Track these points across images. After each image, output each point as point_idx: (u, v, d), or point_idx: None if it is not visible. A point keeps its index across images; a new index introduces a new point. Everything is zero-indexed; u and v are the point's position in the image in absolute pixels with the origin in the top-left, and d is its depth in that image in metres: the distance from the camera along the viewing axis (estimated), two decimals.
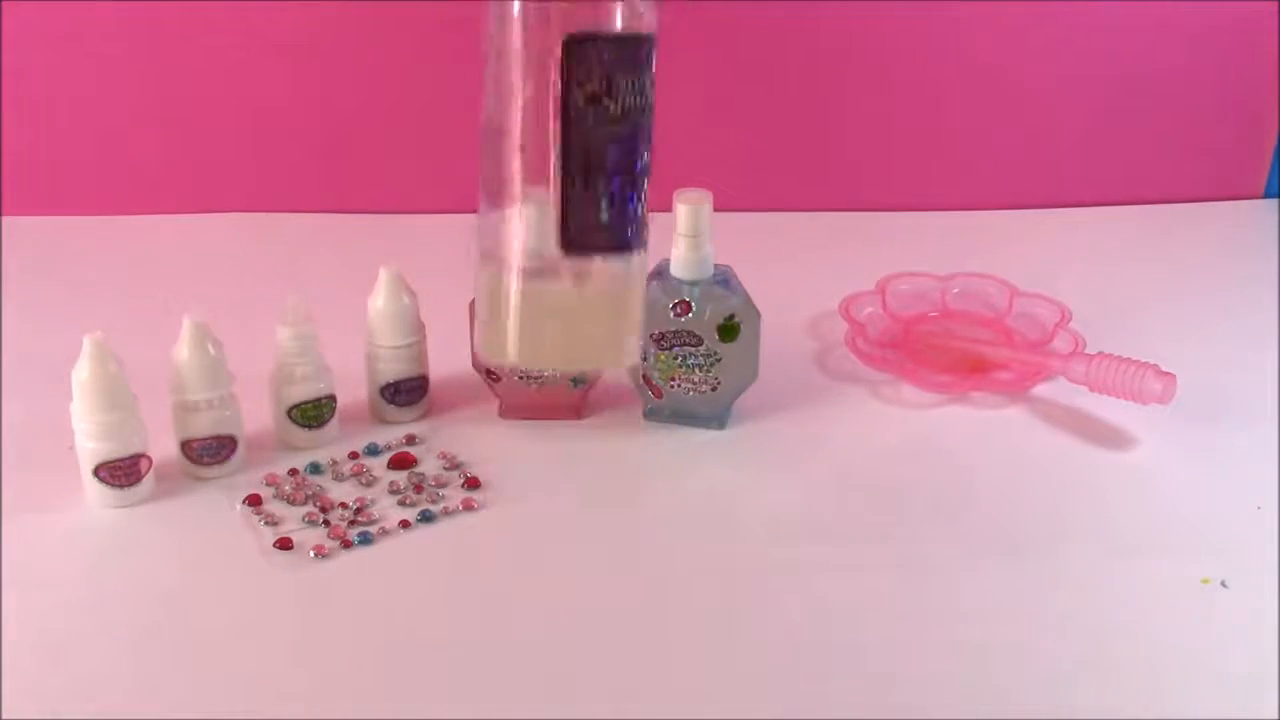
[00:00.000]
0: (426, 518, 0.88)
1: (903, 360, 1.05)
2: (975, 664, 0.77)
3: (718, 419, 0.98)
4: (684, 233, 0.92)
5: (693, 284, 0.93)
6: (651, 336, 0.94)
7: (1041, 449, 0.96)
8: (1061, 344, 1.05)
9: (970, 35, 1.25)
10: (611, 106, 0.70)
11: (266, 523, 0.88)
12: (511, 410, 0.99)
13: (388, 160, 1.28)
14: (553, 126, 0.70)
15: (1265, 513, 0.89)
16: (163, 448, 0.91)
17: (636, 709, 0.74)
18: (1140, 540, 0.87)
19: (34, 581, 0.83)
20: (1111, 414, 0.98)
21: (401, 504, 0.90)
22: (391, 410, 0.98)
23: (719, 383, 0.95)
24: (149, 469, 0.89)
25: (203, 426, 0.90)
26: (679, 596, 0.83)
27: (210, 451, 0.91)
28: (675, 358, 0.95)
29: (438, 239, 1.22)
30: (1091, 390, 0.98)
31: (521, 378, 0.96)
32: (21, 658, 0.77)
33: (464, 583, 0.84)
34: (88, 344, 0.85)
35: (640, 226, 0.73)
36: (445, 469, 0.93)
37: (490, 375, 0.97)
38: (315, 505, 0.89)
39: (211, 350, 0.89)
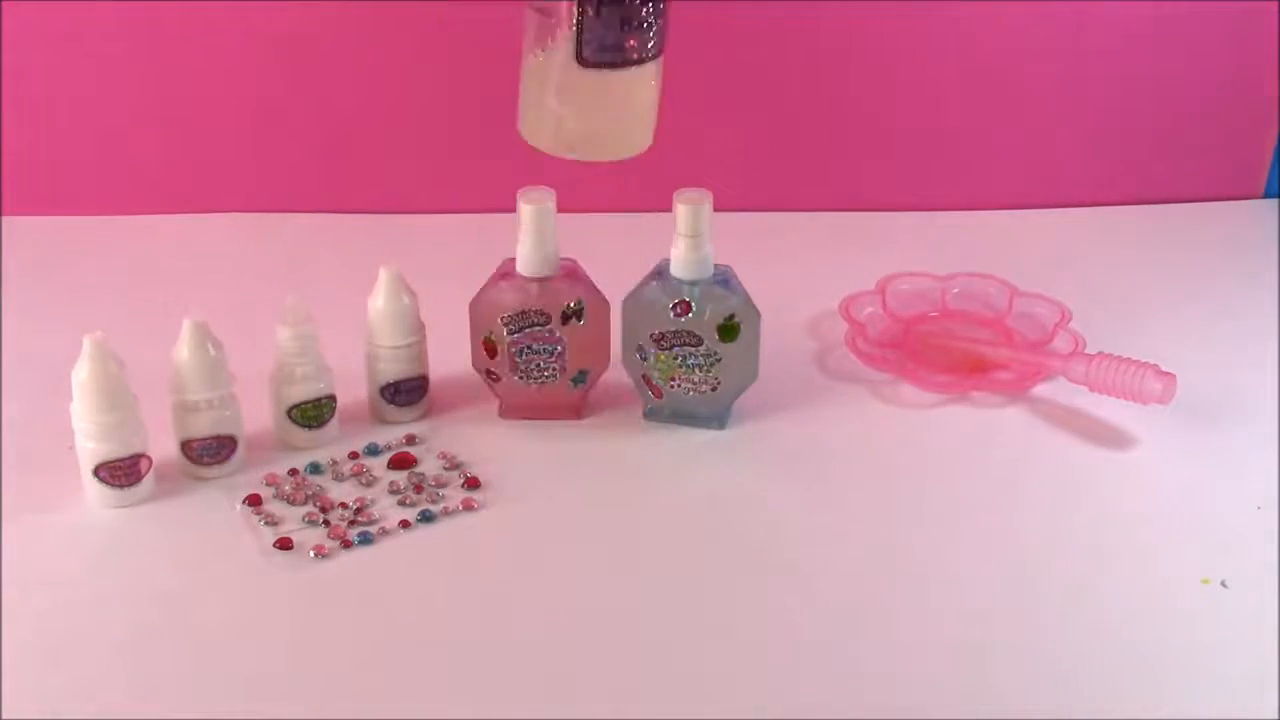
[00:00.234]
0: (426, 518, 0.88)
1: (903, 360, 1.05)
2: (975, 664, 0.77)
3: (718, 419, 0.98)
4: (684, 233, 0.92)
5: (693, 284, 0.93)
6: (651, 336, 0.94)
7: (1041, 449, 0.96)
8: (1061, 344, 1.05)
9: (970, 35, 1.25)
10: None
11: (266, 523, 0.88)
12: (511, 410, 0.99)
13: (388, 160, 1.28)
14: None
15: (1265, 513, 0.89)
16: (163, 448, 0.91)
17: (636, 709, 0.74)
18: (1140, 540, 0.87)
19: (34, 581, 0.83)
20: (1111, 414, 0.98)
21: (401, 504, 0.90)
22: (391, 410, 0.98)
23: (719, 383, 0.95)
24: (149, 469, 0.89)
25: (203, 426, 0.90)
26: (679, 596, 0.83)
27: (210, 451, 0.91)
28: (675, 358, 0.95)
29: (438, 239, 1.23)
30: (1091, 390, 0.98)
31: (521, 377, 0.96)
32: (21, 658, 0.77)
33: (464, 583, 0.84)
34: (88, 344, 0.85)
35: (648, 39, 0.84)
36: (445, 469, 0.93)
37: (490, 375, 0.97)
38: (315, 505, 0.89)
39: (211, 350, 0.89)
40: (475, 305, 0.96)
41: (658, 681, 0.76)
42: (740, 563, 0.85)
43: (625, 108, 0.88)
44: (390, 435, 0.96)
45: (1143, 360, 0.96)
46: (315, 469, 0.93)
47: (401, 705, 0.74)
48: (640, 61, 0.86)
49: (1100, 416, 0.99)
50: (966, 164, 1.30)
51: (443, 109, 1.25)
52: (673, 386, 0.96)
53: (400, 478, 0.92)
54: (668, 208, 0.92)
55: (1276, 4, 1.25)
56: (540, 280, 0.94)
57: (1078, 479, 0.93)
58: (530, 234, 0.93)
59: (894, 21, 1.24)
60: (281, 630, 0.80)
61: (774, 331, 0.98)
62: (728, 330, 0.93)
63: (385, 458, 0.94)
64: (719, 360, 0.94)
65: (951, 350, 1.06)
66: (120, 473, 0.88)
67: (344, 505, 0.89)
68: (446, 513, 0.89)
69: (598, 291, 0.96)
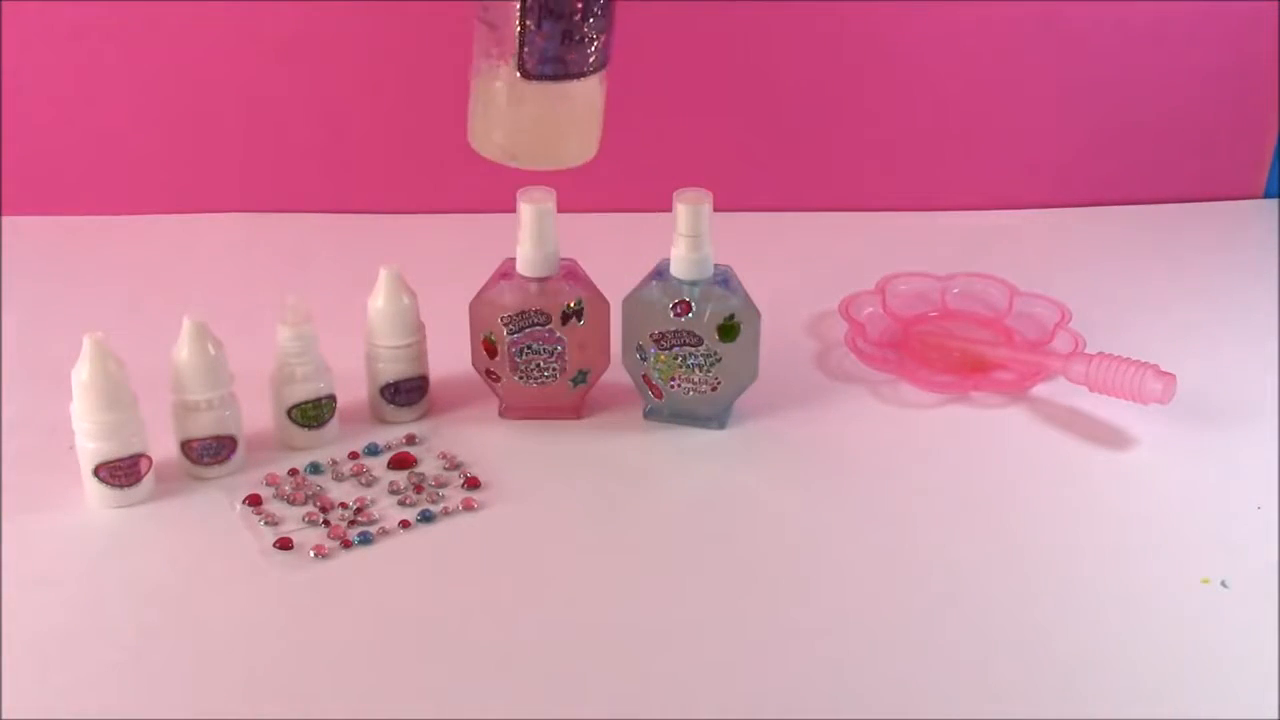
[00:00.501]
0: (426, 518, 0.88)
1: (903, 360, 1.05)
2: (975, 664, 0.77)
3: (718, 419, 0.98)
4: (684, 233, 0.92)
5: (693, 284, 0.93)
6: (651, 336, 0.94)
7: (1041, 449, 0.96)
8: (1061, 344, 1.05)
9: (971, 35, 1.25)
10: None
11: (266, 523, 0.88)
12: (511, 410, 0.99)
13: (388, 160, 1.28)
14: None
15: (1265, 513, 0.89)
16: (163, 448, 0.91)
17: (636, 709, 0.74)
18: (1140, 540, 0.87)
19: (34, 581, 0.83)
20: (1111, 414, 0.98)
21: (401, 504, 0.90)
22: (391, 410, 0.98)
23: (719, 383, 0.95)
24: (149, 469, 0.89)
25: (203, 426, 0.90)
26: (679, 596, 0.83)
27: (210, 451, 0.91)
28: (675, 358, 0.95)
29: (438, 239, 1.23)
30: (1091, 390, 0.98)
31: (521, 377, 0.96)
32: (21, 658, 0.77)
33: (464, 583, 0.84)
34: (88, 344, 0.85)
35: (587, 55, 0.86)
36: (445, 469, 0.93)
37: (490, 375, 0.97)
38: (315, 505, 0.89)
39: (211, 350, 0.89)
40: (475, 305, 0.96)
41: (658, 681, 0.76)
42: (740, 562, 0.85)
43: (568, 119, 0.90)
44: (390, 435, 0.96)
45: (1143, 360, 0.96)
46: (315, 469, 0.93)
47: (401, 705, 0.74)
48: (582, 75, 0.87)
49: (1100, 416, 0.99)
50: (966, 164, 1.30)
51: (443, 109, 1.25)
52: (673, 386, 0.96)
53: (400, 478, 0.92)
54: (668, 208, 0.92)
55: (1276, 4, 1.25)
56: (540, 280, 0.94)
57: (1078, 479, 0.93)
58: (530, 234, 0.93)
59: (894, 21, 1.24)
60: (281, 630, 0.80)
61: (774, 331, 0.98)
62: (728, 330, 0.93)
63: (385, 458, 0.94)
64: (719, 360, 0.94)
65: (951, 350, 1.06)
66: (120, 473, 0.88)
67: (344, 505, 0.89)
68: (446, 513, 0.89)
69: (598, 291, 0.96)
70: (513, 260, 0.95)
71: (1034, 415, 1.00)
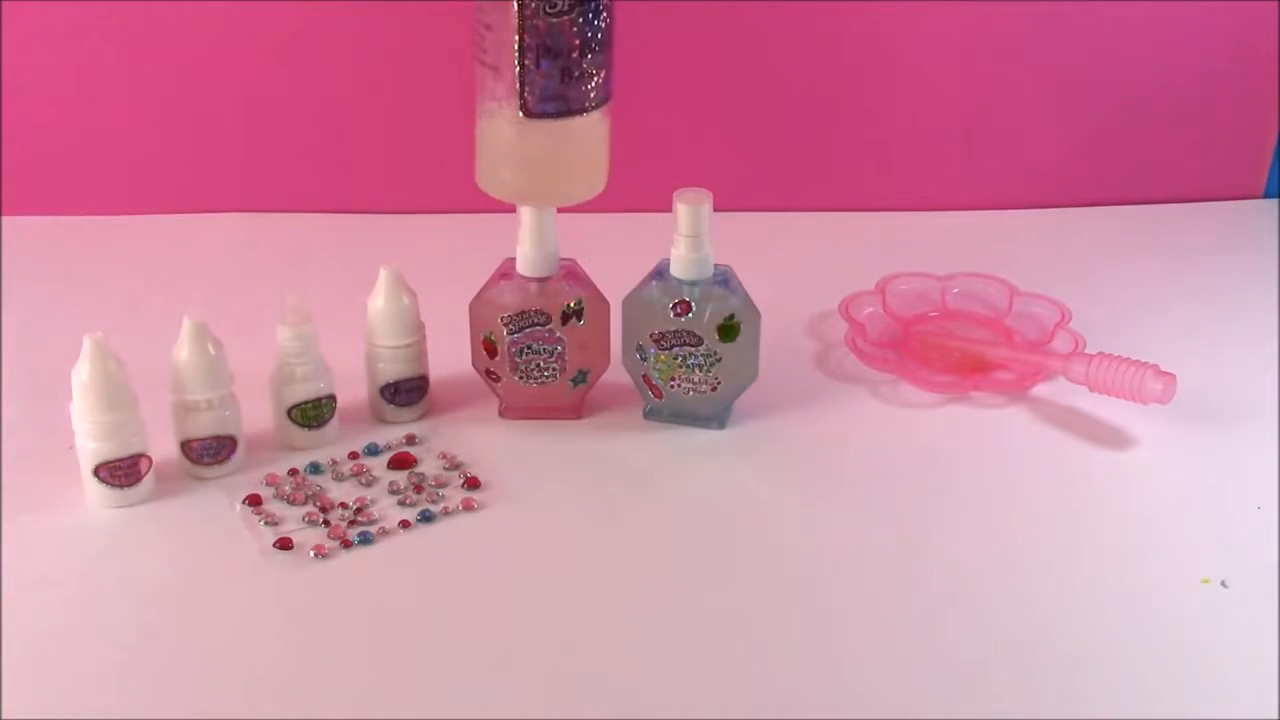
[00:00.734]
0: (426, 518, 0.88)
1: (903, 360, 1.05)
2: (975, 664, 0.77)
3: (718, 419, 0.98)
4: (684, 233, 0.92)
5: (693, 284, 0.93)
6: (651, 336, 0.94)
7: (1041, 449, 0.96)
8: (1061, 344, 1.05)
9: (971, 35, 1.25)
10: (559, 1, 0.85)
11: (266, 523, 0.88)
12: (511, 410, 0.99)
13: (388, 160, 1.28)
14: (513, 11, 0.85)
15: (1265, 513, 0.89)
16: (163, 448, 0.91)
17: (636, 709, 0.74)
18: (1140, 540, 0.87)
19: (34, 581, 0.83)
20: (1111, 414, 0.98)
21: (401, 504, 0.90)
22: (391, 410, 0.98)
23: (719, 383, 0.95)
24: (149, 469, 0.89)
25: (203, 426, 0.90)
26: (679, 596, 0.83)
27: (210, 451, 0.91)
28: (675, 358, 0.95)
29: (438, 239, 1.23)
30: (1091, 390, 0.98)
31: (521, 377, 0.96)
32: (21, 658, 0.77)
33: (464, 583, 0.84)
34: (88, 344, 0.85)
35: (587, 92, 0.88)
36: (445, 469, 0.93)
37: (490, 375, 0.97)
38: (315, 505, 0.89)
39: (211, 350, 0.89)
40: (475, 305, 0.96)
41: (658, 681, 0.76)
42: (740, 562, 0.85)
43: (573, 156, 0.91)
44: (390, 435, 0.96)
45: (1142, 360, 0.96)
46: (315, 469, 0.93)
47: (401, 705, 0.74)
48: (584, 111, 0.89)
49: (1100, 416, 0.99)
50: (966, 164, 1.30)
51: (443, 109, 1.25)
52: (673, 386, 0.96)
53: (400, 478, 0.92)
54: (668, 208, 0.92)
55: (1277, 4, 1.25)
56: (540, 280, 0.94)
57: (1078, 479, 0.93)
58: (530, 234, 0.93)
59: (894, 21, 1.24)
60: (281, 630, 0.80)
61: (774, 331, 0.98)
62: (728, 330, 0.93)
63: (385, 458, 0.94)
64: (719, 360, 0.94)
65: (951, 350, 1.06)
66: (120, 473, 0.88)
67: (344, 505, 0.89)
68: (446, 513, 0.89)
69: (598, 291, 0.96)
70: (513, 260, 0.95)
71: (1034, 415, 1.00)
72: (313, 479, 0.92)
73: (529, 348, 0.95)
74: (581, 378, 0.97)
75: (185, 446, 0.91)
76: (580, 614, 0.81)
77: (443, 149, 1.26)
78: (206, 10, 1.20)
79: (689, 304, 0.93)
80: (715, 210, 0.92)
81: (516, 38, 0.86)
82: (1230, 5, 1.25)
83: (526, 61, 0.86)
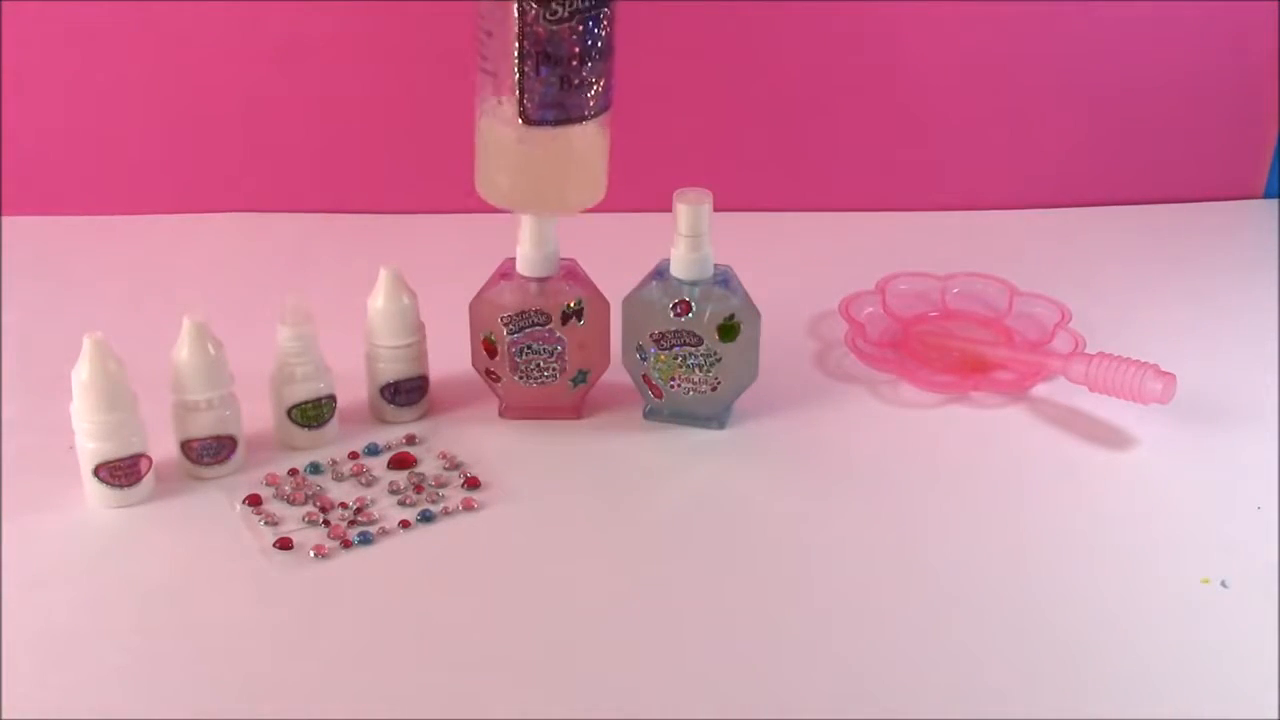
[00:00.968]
0: (426, 518, 0.88)
1: (903, 360, 1.05)
2: (975, 664, 0.77)
3: (718, 419, 0.98)
4: (684, 233, 0.92)
5: (693, 284, 0.93)
6: (651, 336, 0.94)
7: (1041, 449, 0.96)
8: (1061, 344, 1.05)
9: (970, 35, 1.25)
10: (559, 9, 0.85)
11: (266, 523, 0.88)
12: (511, 410, 0.99)
13: (388, 160, 1.28)
14: (513, 17, 0.85)
15: (1265, 513, 0.89)
16: (163, 448, 0.91)
17: (636, 708, 0.74)
18: (1140, 540, 0.87)
19: (34, 581, 0.83)
20: (1111, 414, 0.98)
21: (401, 504, 0.90)
22: (391, 410, 0.98)
23: (719, 383, 0.95)
24: (149, 469, 0.89)
25: (203, 426, 0.90)
26: (679, 596, 0.83)
27: (210, 451, 0.91)
28: (675, 358, 0.95)
29: (438, 239, 1.23)
30: (1091, 390, 0.98)
31: (521, 377, 0.96)
32: (21, 658, 0.77)
33: (464, 583, 0.84)
34: (88, 344, 0.85)
35: (587, 100, 0.88)
36: (445, 469, 0.93)
37: (490, 375, 0.97)
38: (315, 505, 0.89)
39: (211, 350, 0.89)
40: (475, 305, 0.96)
41: (657, 681, 0.76)
42: (740, 562, 0.85)
43: (572, 164, 0.91)
44: (390, 435, 0.96)
45: (1142, 360, 0.96)
46: (315, 469, 0.93)
47: (401, 705, 0.74)
48: (583, 119, 0.88)
49: (1100, 416, 0.99)
50: (966, 164, 1.30)
51: (443, 109, 1.25)
52: (673, 386, 0.96)
53: (400, 478, 0.92)
54: (668, 208, 0.92)
55: (1277, 4, 1.25)
56: (540, 280, 0.94)
57: (1078, 479, 0.93)
58: (530, 234, 0.93)
59: (894, 21, 1.24)
60: (281, 630, 0.80)
61: (774, 331, 0.98)
62: (728, 330, 0.93)
63: (385, 458, 0.94)
64: (719, 360, 0.94)
65: (951, 350, 1.06)
66: (120, 473, 0.88)
67: (344, 505, 0.89)
68: (446, 513, 0.89)
69: (598, 291, 0.96)
70: (513, 260, 0.95)
71: (1034, 415, 1.00)
72: (313, 479, 0.92)
73: (529, 348, 0.95)
74: (581, 378, 0.97)
75: (185, 446, 0.91)
76: (580, 614, 0.81)
77: (443, 149, 1.26)
78: (206, 10, 1.20)
79: (689, 304, 0.93)
80: (715, 210, 0.92)
81: (516, 44, 0.85)
82: (1230, 5, 1.25)
83: (526, 68, 0.86)
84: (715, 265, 0.93)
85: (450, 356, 0.99)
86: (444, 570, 0.85)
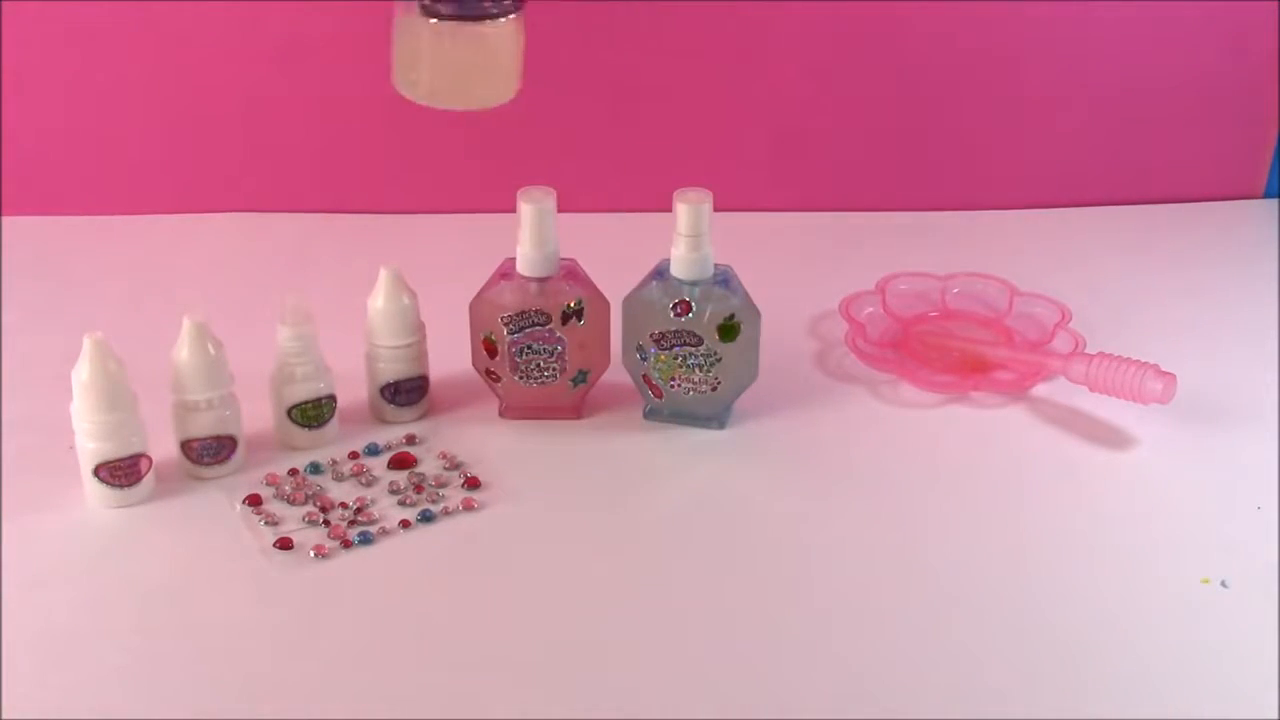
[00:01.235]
0: (426, 518, 0.88)
1: (903, 360, 1.05)
2: (975, 664, 0.77)
3: (718, 419, 0.98)
4: (684, 233, 0.92)
5: (693, 284, 0.93)
6: (651, 336, 0.94)
7: (1041, 449, 0.96)
8: (1061, 344, 1.05)
9: (971, 35, 1.25)
10: None
11: (266, 523, 0.88)
12: (511, 410, 0.99)
13: (388, 160, 1.28)
14: None
15: (1265, 513, 0.89)
16: (163, 448, 0.91)
17: (637, 709, 0.74)
18: (1140, 540, 0.87)
19: (34, 581, 0.83)
20: (1111, 414, 0.98)
21: (401, 504, 0.90)
22: (391, 410, 0.98)
23: (719, 383, 0.95)
24: (149, 469, 0.89)
25: (203, 426, 0.90)
26: (679, 596, 0.83)
27: (210, 451, 0.91)
28: (675, 358, 0.95)
29: (438, 239, 1.23)
30: (1091, 390, 0.98)
31: (521, 377, 0.96)
32: (21, 658, 0.77)
33: (464, 583, 0.84)
34: (88, 344, 0.85)
35: None
36: (445, 469, 0.93)
37: (490, 375, 0.97)
38: (315, 505, 0.89)
39: (211, 350, 0.89)
40: (475, 305, 0.96)
41: (657, 681, 0.76)
42: (740, 562, 0.85)
43: (481, 61, 0.94)
44: (390, 435, 0.96)
45: (1143, 360, 0.96)
46: (315, 469, 0.93)
47: (401, 705, 0.74)
48: (489, 16, 0.92)
49: (1100, 416, 0.99)
50: (966, 164, 1.30)
51: (443, 109, 1.25)
52: (673, 386, 0.96)
53: (400, 478, 0.92)
54: (668, 208, 0.92)
55: (1277, 4, 1.25)
56: (540, 280, 0.94)
57: (1078, 479, 0.93)
58: (530, 234, 0.93)
59: (894, 22, 1.24)
60: (281, 630, 0.80)
61: (774, 331, 0.98)
62: (728, 330, 0.93)
63: (385, 458, 0.94)
64: (719, 360, 0.94)
65: (951, 350, 1.06)
66: (120, 473, 0.88)
67: (344, 505, 0.89)
68: (446, 513, 0.89)
69: (598, 291, 0.96)
70: (513, 260, 0.95)
71: (1034, 415, 1.00)
72: (313, 479, 0.92)
73: (529, 348, 0.95)
74: (581, 378, 0.97)
75: (185, 446, 0.91)
76: (580, 614, 0.81)
77: (443, 149, 1.27)
78: (206, 10, 1.20)
79: (689, 304, 0.93)
80: (715, 210, 0.92)
81: None
82: (1230, 5, 1.25)
83: None
84: (715, 265, 0.93)
85: (450, 356, 0.99)
86: (444, 570, 0.85)
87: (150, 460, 0.89)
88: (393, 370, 0.96)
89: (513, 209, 0.93)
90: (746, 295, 0.94)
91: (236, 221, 1.26)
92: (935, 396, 1.02)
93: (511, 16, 0.92)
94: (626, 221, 1.18)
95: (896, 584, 0.84)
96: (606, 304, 0.96)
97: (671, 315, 0.93)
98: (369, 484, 0.92)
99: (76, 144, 1.25)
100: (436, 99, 0.94)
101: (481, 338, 0.96)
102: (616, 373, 0.98)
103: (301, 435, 0.94)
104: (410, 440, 0.96)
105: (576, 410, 0.99)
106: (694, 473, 0.94)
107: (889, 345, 1.07)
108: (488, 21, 0.91)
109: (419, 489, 0.91)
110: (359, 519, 0.88)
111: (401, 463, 0.94)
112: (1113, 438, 0.97)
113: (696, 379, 0.95)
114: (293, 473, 0.92)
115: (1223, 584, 0.83)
